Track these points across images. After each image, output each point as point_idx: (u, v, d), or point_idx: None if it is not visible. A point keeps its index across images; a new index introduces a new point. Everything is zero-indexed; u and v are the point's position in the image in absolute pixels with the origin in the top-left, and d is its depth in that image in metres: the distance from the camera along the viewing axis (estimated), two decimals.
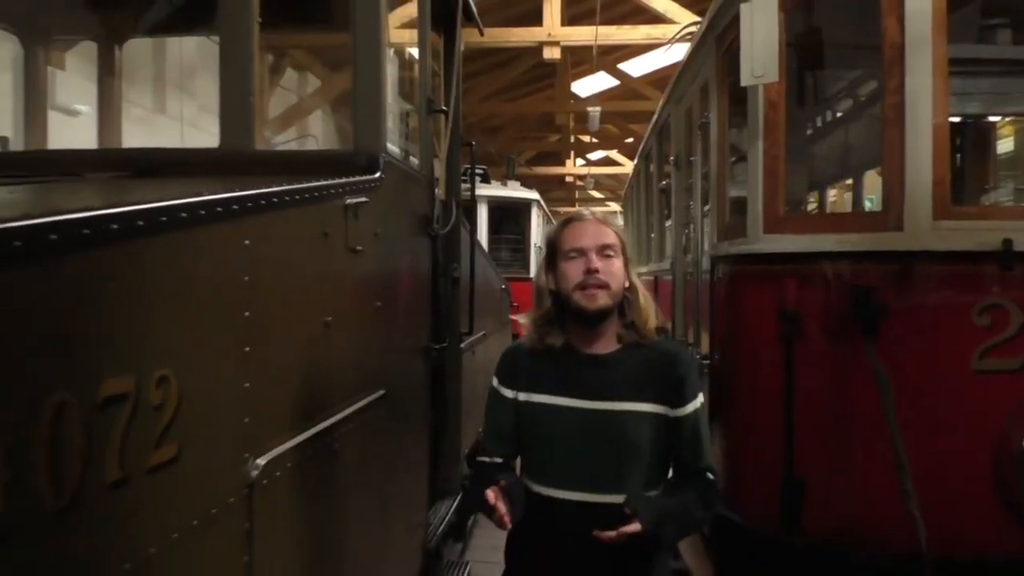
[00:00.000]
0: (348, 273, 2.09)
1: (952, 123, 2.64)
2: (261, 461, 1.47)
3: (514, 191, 10.92)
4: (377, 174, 2.29)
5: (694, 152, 4.07)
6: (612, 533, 1.70)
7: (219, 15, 2.39)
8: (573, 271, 1.88)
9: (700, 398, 1.94)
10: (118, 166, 2.37)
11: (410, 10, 3.86)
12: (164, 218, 1.14)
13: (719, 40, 3.29)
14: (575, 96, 17.51)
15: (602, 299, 1.86)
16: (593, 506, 1.85)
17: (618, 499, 1.78)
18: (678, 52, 7.25)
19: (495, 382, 2.05)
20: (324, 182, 1.85)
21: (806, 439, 2.73)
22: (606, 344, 1.94)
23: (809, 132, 3.41)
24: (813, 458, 2.74)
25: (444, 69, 3.54)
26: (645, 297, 1.96)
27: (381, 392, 2.34)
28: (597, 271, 1.86)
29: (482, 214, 9.88)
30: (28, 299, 0.89)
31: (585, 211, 2.02)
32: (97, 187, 1.92)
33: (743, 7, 2.64)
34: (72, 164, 2.37)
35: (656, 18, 9.96)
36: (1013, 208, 4.37)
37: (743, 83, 2.67)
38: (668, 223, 5.32)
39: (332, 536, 1.97)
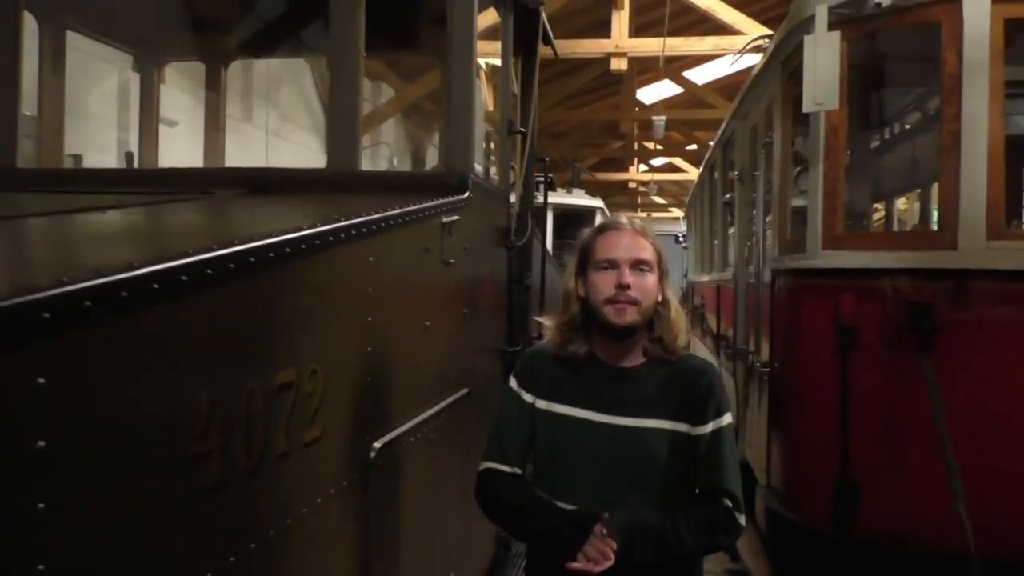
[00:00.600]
0: (442, 283, 2.35)
1: (1009, 145, 2.76)
2: (377, 444, 1.74)
3: (579, 199, 11.13)
4: (466, 194, 2.55)
5: (758, 168, 4.23)
6: (578, 565, 1.61)
7: (330, 46, 2.66)
8: (604, 283, 1.80)
9: (725, 418, 1.83)
10: (237, 184, 2.68)
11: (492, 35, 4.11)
12: (317, 241, 1.41)
13: (784, 65, 3.46)
14: (640, 103, 17.64)
15: (631, 316, 1.78)
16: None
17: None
18: (743, 61, 7.38)
19: (514, 383, 1.94)
20: (427, 204, 2.11)
21: (861, 445, 2.90)
22: (631, 357, 1.86)
23: (870, 151, 3.54)
24: (867, 463, 2.90)
25: (522, 91, 3.79)
26: (677, 312, 1.88)
27: (465, 391, 2.59)
28: (629, 287, 1.78)
29: (547, 221, 10.12)
30: (234, 309, 1.16)
31: (623, 218, 1.91)
32: (235, 205, 2.21)
33: (807, 38, 2.83)
34: (200, 182, 2.68)
35: (723, 29, 10.06)
36: None
37: (805, 109, 2.85)
38: (731, 233, 5.47)
39: (427, 514, 2.23)
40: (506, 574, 3.47)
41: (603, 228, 1.90)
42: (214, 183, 2.75)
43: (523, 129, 3.49)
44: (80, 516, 0.86)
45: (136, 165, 3.98)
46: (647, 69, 15.08)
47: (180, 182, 2.74)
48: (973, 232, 2.68)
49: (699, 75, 16.54)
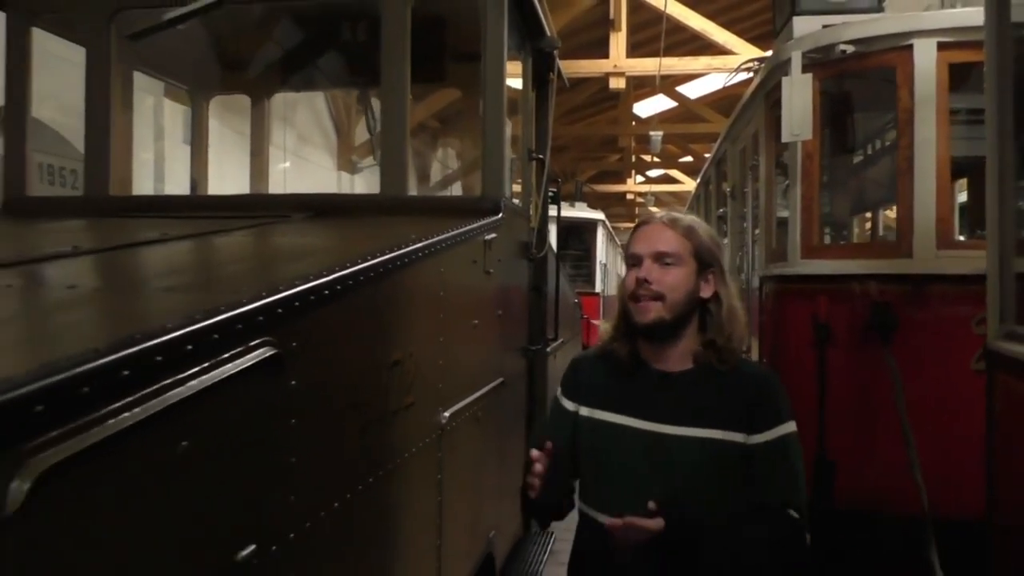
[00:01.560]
0: (484, 290, 2.83)
1: (956, 166, 3.26)
2: (446, 414, 2.22)
3: (581, 212, 11.65)
4: (500, 215, 3.03)
5: (746, 185, 4.74)
6: (618, 521, 1.52)
7: (382, 85, 3.10)
8: (629, 280, 1.74)
9: (787, 426, 1.67)
10: (304, 207, 3.15)
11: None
12: (428, 253, 1.90)
13: (767, 97, 3.97)
14: (636, 117, 18.20)
15: (654, 312, 1.69)
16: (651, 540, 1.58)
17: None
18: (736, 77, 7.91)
19: (559, 391, 1.93)
20: (476, 225, 2.59)
21: (835, 426, 3.38)
22: (678, 361, 1.75)
23: (843, 172, 4.05)
24: (841, 442, 3.38)
25: (537, 121, 4.28)
26: (731, 311, 1.73)
27: (501, 380, 3.07)
28: (647, 281, 1.69)
29: (552, 233, 10.65)
30: (373, 304, 1.65)
31: (658, 213, 1.82)
32: (317, 227, 2.68)
33: (784, 79, 3.33)
34: (271, 206, 3.16)
35: (715, 48, 10.61)
36: None
37: (783, 139, 3.35)
38: (724, 243, 5.97)
39: (475, 476, 2.71)
40: (530, 549, 3.95)
41: (638, 225, 1.82)
42: (284, 207, 3.23)
43: (541, 156, 3.98)
44: (310, 455, 1.34)
45: (188, 190, 4.47)
46: (643, 84, 15.65)
47: (254, 207, 3.21)
48: (925, 243, 3.18)
49: (692, 89, 17.12)
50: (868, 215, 4.75)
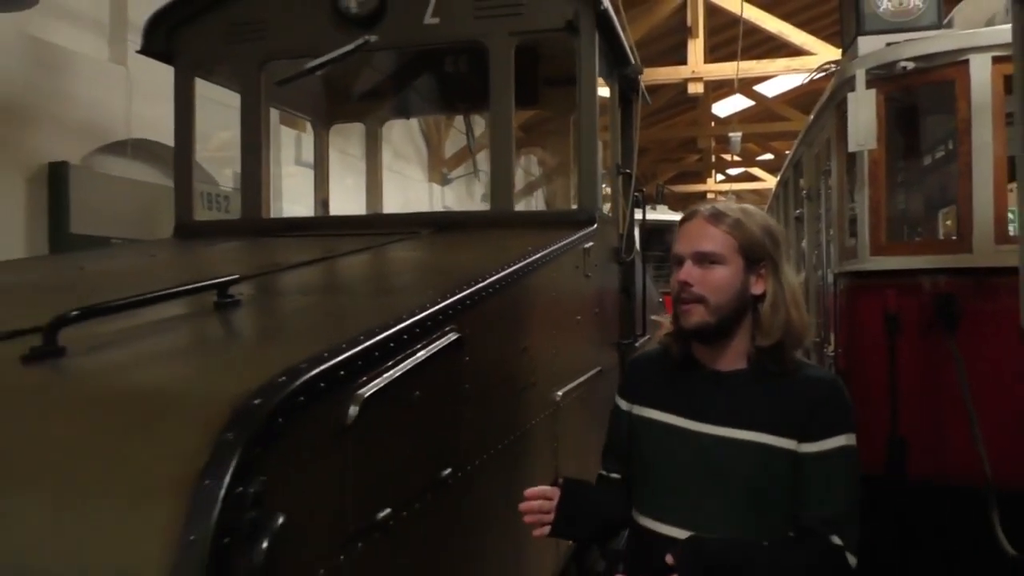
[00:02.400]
0: (584, 290, 3.30)
1: (1010, 166, 3.55)
2: (559, 393, 2.69)
3: (662, 214, 11.97)
4: (595, 226, 3.49)
5: (820, 188, 5.07)
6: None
7: (491, 112, 3.55)
8: (674, 281, 1.67)
9: (842, 439, 1.56)
10: (428, 224, 3.68)
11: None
12: (544, 261, 2.39)
13: (838, 108, 4.31)
14: (715, 117, 18.36)
15: (697, 316, 1.62)
16: None
17: None
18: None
19: (618, 389, 1.91)
20: (578, 235, 3.07)
21: (906, 406, 3.71)
22: (732, 361, 1.67)
23: (912, 176, 4.36)
24: (912, 422, 3.71)
25: (623, 137, 4.72)
26: (774, 308, 1.63)
27: (599, 368, 3.52)
28: (687, 284, 1.62)
29: (636, 236, 11.06)
30: (509, 306, 2.15)
31: (702, 207, 1.71)
32: (446, 240, 3.19)
33: (849, 95, 3.69)
34: (401, 223, 3.70)
35: (793, 49, 10.80)
36: None
37: (850, 150, 3.72)
38: (803, 243, 6.28)
39: (582, 445, 3.18)
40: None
41: (682, 220, 1.73)
42: (410, 225, 3.77)
43: (628, 170, 4.42)
44: (479, 412, 1.83)
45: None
46: (721, 85, 15.85)
47: (388, 224, 3.76)
48: (985, 238, 3.49)
49: (770, 88, 17.19)
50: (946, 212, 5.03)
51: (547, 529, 1.65)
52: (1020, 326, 2.63)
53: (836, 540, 1.53)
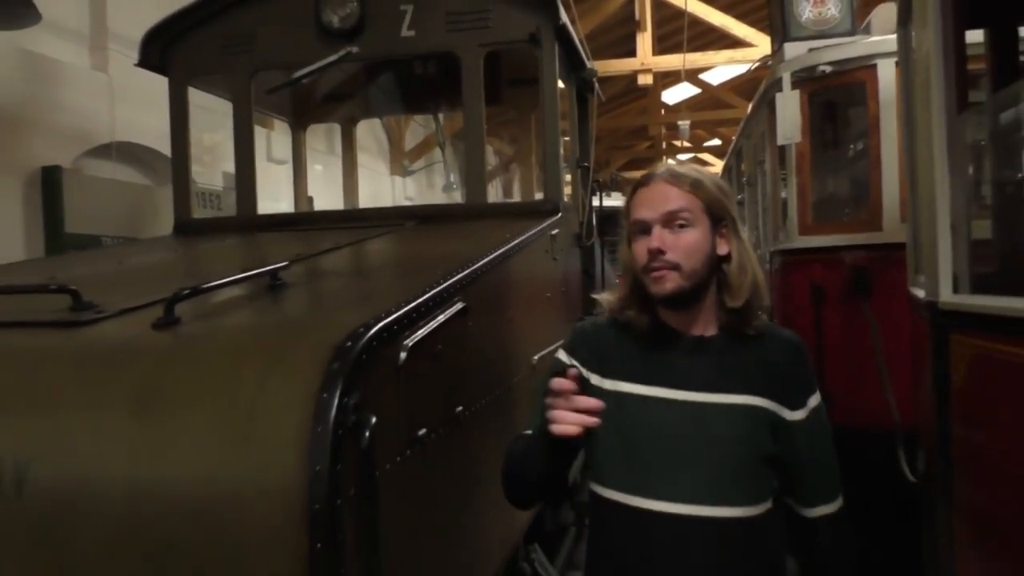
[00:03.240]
0: (553, 271, 3.78)
1: None
2: (535, 357, 3.18)
3: (617, 200, 12.54)
4: (559, 215, 3.97)
5: (757, 177, 5.64)
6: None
7: (464, 111, 3.97)
8: (639, 250, 1.60)
9: (816, 396, 1.64)
10: (409, 216, 4.12)
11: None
12: (520, 247, 2.87)
13: (769, 105, 4.87)
14: (664, 105, 18.99)
15: (672, 283, 1.57)
16: (686, 520, 1.53)
17: (717, 513, 1.53)
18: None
19: (564, 357, 1.77)
20: (547, 223, 3.55)
21: (830, 362, 4.29)
22: (703, 325, 1.64)
23: (832, 165, 4.95)
24: (835, 373, 4.28)
25: (580, 132, 5.21)
26: (741, 267, 1.61)
27: (562, 341, 4.03)
28: (661, 251, 1.56)
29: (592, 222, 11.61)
30: (497, 283, 2.62)
31: (659, 168, 1.66)
32: (430, 230, 3.65)
33: (777, 95, 4.23)
34: (385, 217, 4.14)
35: (737, 42, 11.42)
36: None
37: (778, 143, 4.26)
38: (744, 225, 6.88)
39: None
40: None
41: (636, 186, 1.67)
42: (395, 217, 4.21)
43: (586, 163, 4.92)
44: (478, 366, 2.30)
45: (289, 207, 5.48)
46: (669, 75, 16.46)
47: (373, 218, 4.20)
48: (892, 218, 4.06)
49: (716, 76, 17.89)
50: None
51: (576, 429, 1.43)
52: (906, 292, 3.18)
53: (837, 505, 1.66)
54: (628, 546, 1.61)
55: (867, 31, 4.62)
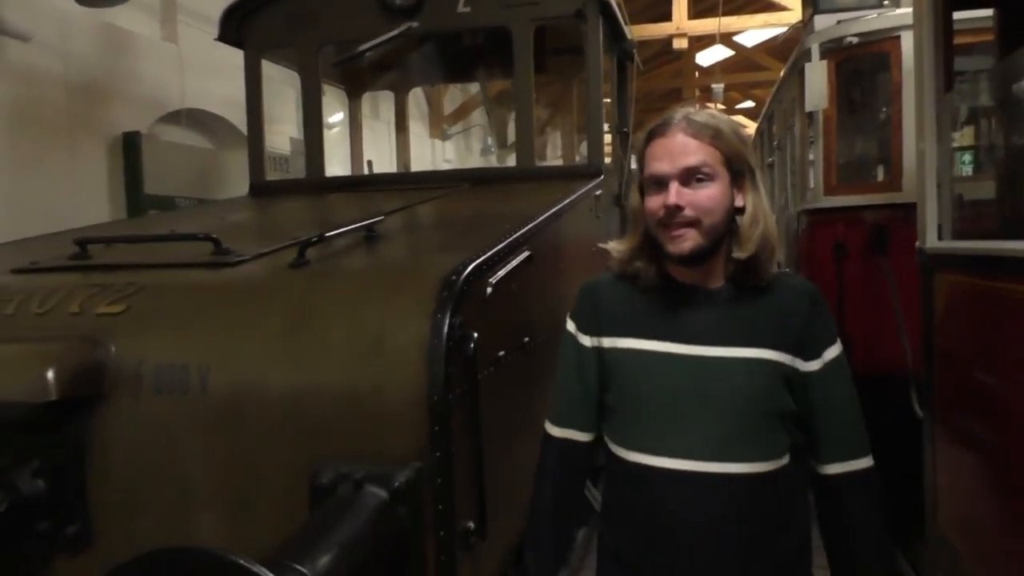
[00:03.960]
0: (595, 229, 4.17)
1: None
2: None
3: None
4: (601, 177, 4.34)
5: (787, 140, 5.95)
6: None
7: (514, 82, 4.34)
8: (653, 205, 1.54)
9: (836, 347, 1.59)
10: (464, 179, 4.51)
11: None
12: (571, 206, 3.26)
13: (799, 74, 5.17)
14: (698, 67, 19.03)
15: (691, 241, 1.51)
16: (698, 477, 1.51)
17: (730, 469, 1.50)
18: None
19: (571, 326, 1.78)
20: (592, 185, 3.93)
21: (851, 314, 4.65)
22: (713, 278, 1.59)
23: (857, 129, 5.25)
24: (855, 324, 4.65)
25: (620, 99, 5.55)
26: (753, 220, 1.55)
27: None
28: (679, 208, 1.49)
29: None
30: (552, 238, 3.03)
31: (676, 114, 1.56)
32: (487, 191, 4.04)
33: (806, 65, 4.54)
34: (442, 179, 4.54)
35: (771, 5, 11.55)
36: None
37: (807, 109, 4.58)
38: (775, 187, 7.19)
39: None
40: None
41: (651, 134, 1.59)
42: (450, 180, 4.61)
43: (625, 129, 5.27)
44: (538, 308, 2.72)
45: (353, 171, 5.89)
46: (702, 37, 16.53)
47: (431, 180, 4.61)
48: (911, 179, 4.39)
49: (749, 38, 17.89)
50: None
51: None
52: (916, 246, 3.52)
53: (859, 464, 1.59)
54: (637, 502, 1.59)
55: (897, 4, 4.89)
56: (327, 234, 2.24)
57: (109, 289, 2.12)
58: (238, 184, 6.43)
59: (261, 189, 4.79)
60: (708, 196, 1.53)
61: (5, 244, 3.23)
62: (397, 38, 4.63)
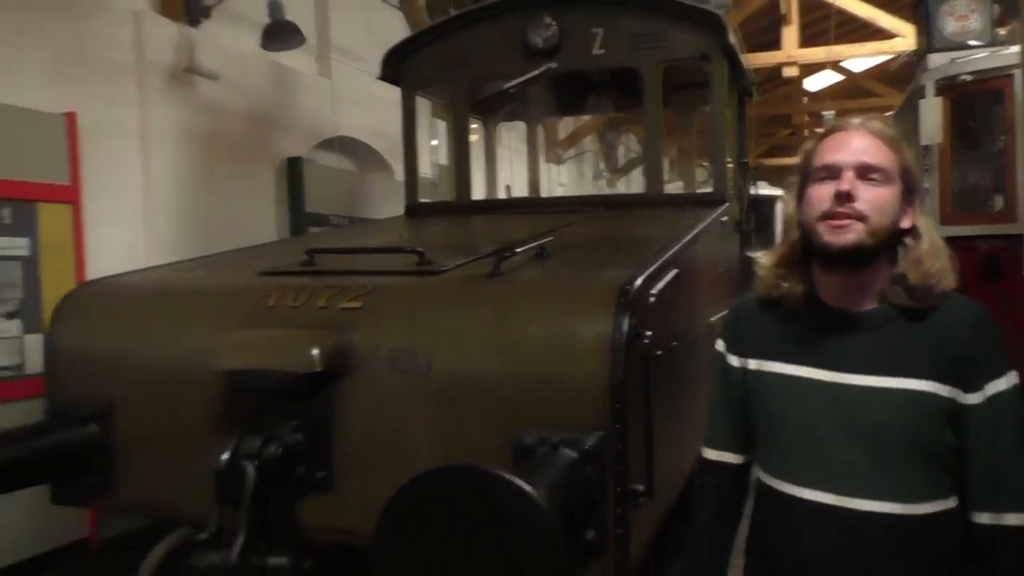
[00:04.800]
0: (721, 251, 4.56)
1: None
2: (712, 319, 3.99)
3: (764, 189, 13.01)
4: (726, 204, 4.73)
5: None
6: None
7: (646, 113, 4.72)
8: (820, 194, 1.47)
9: (1005, 380, 1.43)
10: (598, 204, 4.97)
11: None
12: (704, 231, 3.69)
13: (913, 109, 5.44)
14: (807, 93, 19.04)
15: (854, 234, 1.42)
16: (841, 513, 1.45)
17: (877, 508, 1.42)
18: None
19: (720, 346, 1.77)
20: (720, 210, 4.32)
21: None
22: (864, 300, 1.51)
23: (974, 161, 5.47)
24: None
25: (739, 131, 5.92)
26: (933, 246, 1.49)
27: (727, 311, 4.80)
28: (850, 196, 1.42)
29: None
30: (699, 256, 3.46)
31: (854, 119, 1.53)
32: (623, 215, 4.49)
33: (921, 102, 4.84)
34: (577, 204, 5.02)
35: (881, 32, 11.61)
36: None
37: (922, 143, 4.86)
38: None
39: None
40: None
41: (827, 132, 1.55)
42: (587, 204, 5.08)
43: (745, 159, 5.65)
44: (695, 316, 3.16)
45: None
46: (811, 62, 16.59)
47: (568, 204, 5.10)
48: None
49: (859, 64, 17.81)
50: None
51: None
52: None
53: (1020, 518, 1.42)
54: (776, 530, 1.56)
55: (1013, 40, 5.12)
56: (517, 250, 2.75)
57: (347, 289, 2.68)
58: (379, 204, 7.13)
59: (415, 210, 5.36)
60: (881, 196, 1.45)
61: (221, 254, 3.90)
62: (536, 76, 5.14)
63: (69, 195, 4.59)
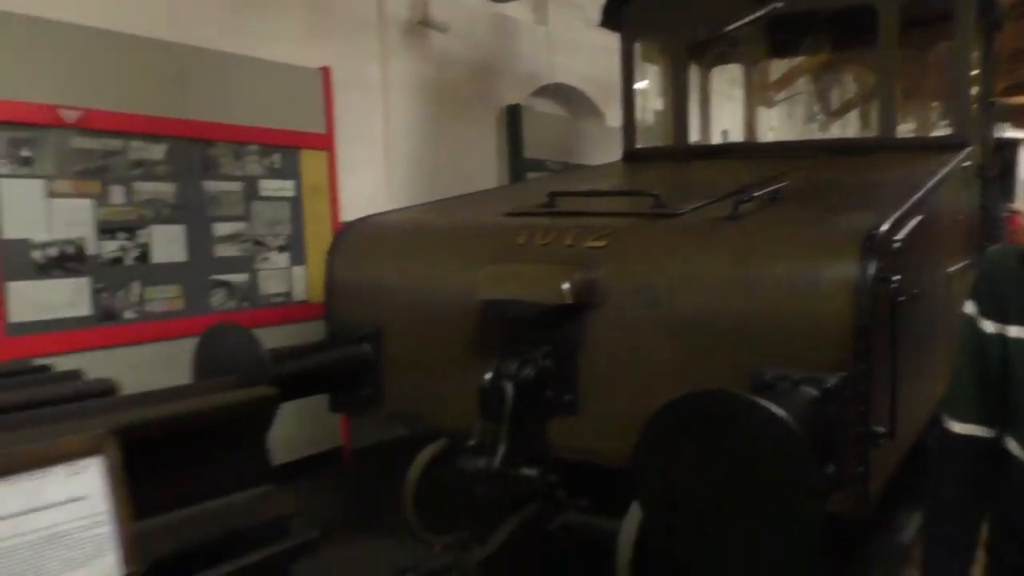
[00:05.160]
0: (961, 199, 4.30)
1: None
2: (950, 269, 3.81)
3: (1007, 133, 11.86)
4: (968, 148, 4.43)
5: None
6: None
7: (879, 57, 4.48)
8: None
9: None
10: (821, 149, 4.82)
11: None
12: (946, 177, 3.53)
13: None
14: None
15: None
16: None
17: None
18: None
19: (971, 308, 1.60)
20: (963, 153, 4.07)
21: None
22: None
23: None
24: None
25: (984, 68, 5.46)
26: None
27: (967, 261, 4.52)
28: None
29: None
30: (934, 203, 3.35)
31: None
32: (847, 160, 4.33)
33: None
34: (799, 149, 4.89)
35: None
36: None
37: None
38: None
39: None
40: None
41: None
42: (810, 149, 4.94)
43: (993, 100, 5.21)
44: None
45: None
46: None
47: (787, 149, 4.99)
48: None
49: None
50: None
51: None
52: None
53: None
54: (1021, 501, 1.48)
55: None
56: (755, 193, 2.81)
57: (590, 229, 2.88)
58: (591, 150, 7.28)
59: (633, 155, 5.45)
60: None
61: (461, 197, 4.23)
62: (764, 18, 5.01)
63: (325, 143, 5.12)
